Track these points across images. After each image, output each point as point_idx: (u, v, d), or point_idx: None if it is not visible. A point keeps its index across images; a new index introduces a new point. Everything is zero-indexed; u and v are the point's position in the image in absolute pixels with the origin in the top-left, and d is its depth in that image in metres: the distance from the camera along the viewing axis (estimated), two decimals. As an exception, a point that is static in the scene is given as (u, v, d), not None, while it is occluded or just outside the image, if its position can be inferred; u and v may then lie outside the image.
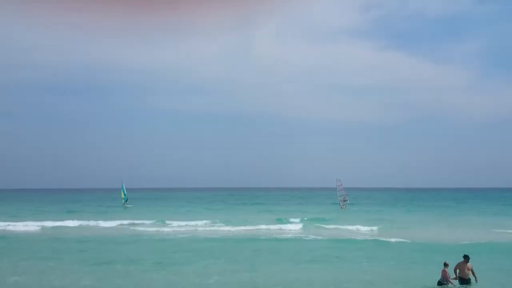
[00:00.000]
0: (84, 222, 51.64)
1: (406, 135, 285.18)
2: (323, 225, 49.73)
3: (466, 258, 19.61)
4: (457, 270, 19.71)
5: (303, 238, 39.59)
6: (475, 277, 19.51)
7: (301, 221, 53.85)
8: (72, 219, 54.22)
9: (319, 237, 39.56)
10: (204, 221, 52.64)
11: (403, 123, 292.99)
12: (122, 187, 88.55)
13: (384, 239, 37.97)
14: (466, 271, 19.48)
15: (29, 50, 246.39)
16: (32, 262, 27.41)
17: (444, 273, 19.51)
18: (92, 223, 51.63)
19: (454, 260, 20.69)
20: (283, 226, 48.68)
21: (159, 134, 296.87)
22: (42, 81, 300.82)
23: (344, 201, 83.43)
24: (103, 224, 51.23)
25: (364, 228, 45.73)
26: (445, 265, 19.67)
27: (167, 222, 52.30)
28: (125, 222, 52.77)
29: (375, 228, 45.86)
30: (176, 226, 49.28)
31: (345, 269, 25.54)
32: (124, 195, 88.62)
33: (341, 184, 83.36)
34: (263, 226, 47.65)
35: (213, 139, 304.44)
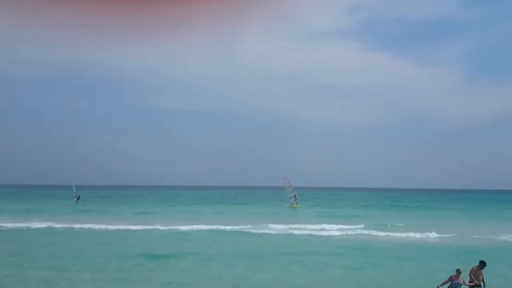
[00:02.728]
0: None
1: (390, 137, 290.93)
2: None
3: (482, 264, 18.35)
4: (473, 275, 18.35)
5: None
6: (484, 285, 18.39)
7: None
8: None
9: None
10: (143, 218, 54.57)
11: (387, 124, 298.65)
12: (73, 186, 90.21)
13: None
14: (480, 277, 18.27)
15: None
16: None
17: (458, 278, 17.66)
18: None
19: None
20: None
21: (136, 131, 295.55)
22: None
23: (294, 197, 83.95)
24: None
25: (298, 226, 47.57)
26: (457, 271, 17.76)
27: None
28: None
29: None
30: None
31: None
32: (74, 193, 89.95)
33: (288, 182, 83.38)
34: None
35: (197, 138, 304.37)
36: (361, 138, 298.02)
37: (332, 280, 23.06)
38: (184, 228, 44.74)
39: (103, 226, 45.74)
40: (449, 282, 17.58)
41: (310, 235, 41.33)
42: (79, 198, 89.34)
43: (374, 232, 43.03)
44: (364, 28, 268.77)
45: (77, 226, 45.62)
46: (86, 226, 45.64)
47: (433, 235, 40.96)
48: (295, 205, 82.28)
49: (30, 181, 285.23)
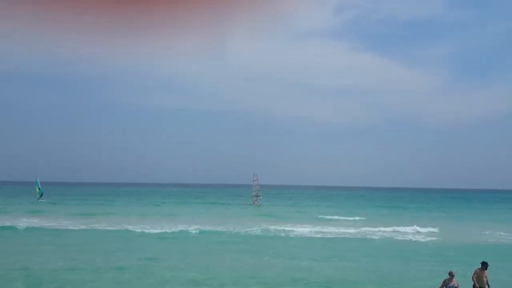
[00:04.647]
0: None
1: (376, 136, 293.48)
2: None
3: (485, 265, 17.69)
4: (476, 277, 17.66)
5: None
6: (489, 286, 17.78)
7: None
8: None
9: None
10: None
11: (373, 124, 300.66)
12: (37, 181, 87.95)
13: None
14: (484, 278, 17.62)
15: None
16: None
17: (452, 281, 17.15)
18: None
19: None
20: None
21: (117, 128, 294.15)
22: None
23: (257, 196, 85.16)
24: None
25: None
26: (450, 275, 17.25)
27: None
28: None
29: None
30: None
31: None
32: (39, 189, 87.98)
33: (257, 180, 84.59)
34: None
35: (178, 136, 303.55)
36: (348, 138, 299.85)
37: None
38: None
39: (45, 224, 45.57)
40: (444, 287, 17.23)
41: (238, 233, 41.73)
42: (42, 195, 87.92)
43: (325, 229, 44.55)
44: (351, 28, 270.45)
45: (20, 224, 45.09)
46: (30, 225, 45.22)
47: (409, 233, 42.74)
48: (256, 203, 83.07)
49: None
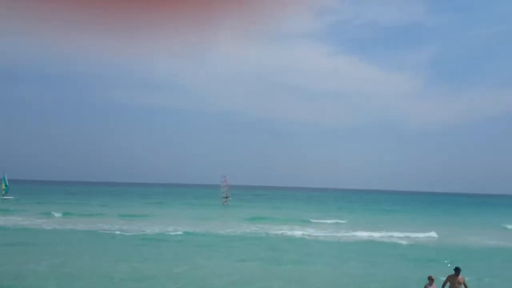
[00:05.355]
0: None
1: (356, 139, 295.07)
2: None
3: (457, 270, 17.16)
4: (447, 284, 17.28)
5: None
6: None
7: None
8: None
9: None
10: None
11: (353, 127, 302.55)
12: (4, 178, 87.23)
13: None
14: (457, 285, 17.02)
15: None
16: None
17: (432, 286, 16.92)
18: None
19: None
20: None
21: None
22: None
23: (226, 197, 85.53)
24: None
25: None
26: (430, 279, 17.00)
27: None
28: None
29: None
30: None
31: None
32: (6, 186, 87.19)
33: (226, 181, 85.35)
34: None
35: (159, 135, 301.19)
36: (327, 139, 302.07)
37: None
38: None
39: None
40: None
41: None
42: (7, 192, 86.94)
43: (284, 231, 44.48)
44: (334, 32, 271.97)
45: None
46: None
47: (385, 236, 42.72)
48: (225, 204, 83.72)
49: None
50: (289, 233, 43.28)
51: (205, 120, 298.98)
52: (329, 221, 57.08)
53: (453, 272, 17.01)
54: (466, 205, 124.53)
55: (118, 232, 40.11)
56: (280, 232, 43.86)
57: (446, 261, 25.44)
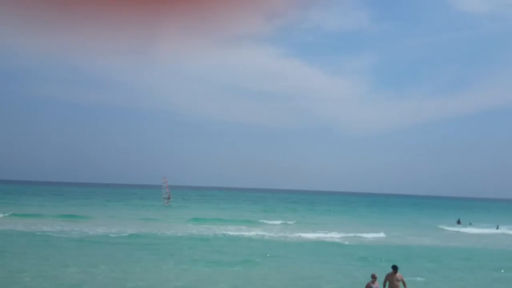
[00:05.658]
0: None
1: (299, 141, 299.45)
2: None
3: (395, 268, 17.68)
4: (387, 283, 17.69)
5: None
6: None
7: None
8: None
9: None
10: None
11: (296, 129, 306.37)
12: None
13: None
14: (396, 282, 17.46)
15: None
16: None
17: (375, 283, 17.28)
18: None
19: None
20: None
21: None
22: None
23: (168, 198, 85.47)
24: None
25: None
26: (373, 277, 17.37)
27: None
28: None
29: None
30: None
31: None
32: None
33: (166, 182, 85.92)
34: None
35: (101, 133, 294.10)
36: (268, 140, 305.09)
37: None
38: None
39: None
40: None
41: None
42: None
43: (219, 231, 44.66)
44: (280, 35, 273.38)
45: None
46: None
47: (325, 236, 43.61)
48: (167, 204, 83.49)
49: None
50: (236, 234, 43.14)
51: (152, 119, 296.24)
52: (276, 222, 57.55)
53: (391, 270, 17.73)
54: (404, 206, 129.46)
55: (59, 234, 38.36)
56: (227, 233, 43.67)
57: (384, 260, 26.47)
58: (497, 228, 61.19)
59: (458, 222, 69.19)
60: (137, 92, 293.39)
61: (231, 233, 43.45)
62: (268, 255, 31.12)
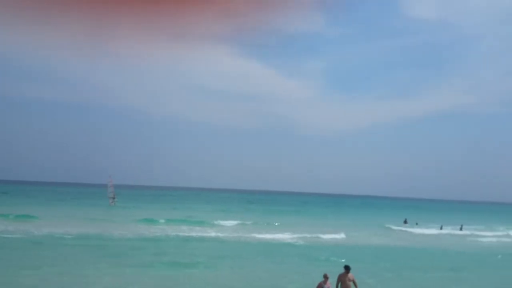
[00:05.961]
0: None
1: (255, 140, 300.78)
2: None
3: (347, 268, 17.91)
4: (339, 283, 17.77)
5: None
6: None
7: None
8: None
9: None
10: None
11: (256, 129, 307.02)
12: None
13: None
14: (348, 282, 17.63)
15: None
16: None
17: (326, 283, 17.37)
18: None
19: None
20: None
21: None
22: None
23: (113, 198, 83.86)
24: None
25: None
26: (325, 277, 17.45)
27: None
28: None
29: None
30: None
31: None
32: None
33: (111, 181, 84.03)
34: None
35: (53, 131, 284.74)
36: (217, 140, 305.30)
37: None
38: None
39: None
40: None
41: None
42: None
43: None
44: (237, 35, 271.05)
45: None
46: None
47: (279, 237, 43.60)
48: (112, 204, 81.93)
49: None
50: (190, 235, 42.53)
51: (106, 117, 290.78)
52: (232, 222, 56.80)
53: (343, 270, 17.91)
54: (356, 207, 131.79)
55: (2, 234, 36.51)
56: (180, 234, 42.93)
57: (343, 260, 26.71)
58: (441, 228, 63.19)
59: (405, 222, 70.98)
60: (93, 88, 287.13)
61: (184, 234, 42.73)
62: (225, 256, 30.81)
